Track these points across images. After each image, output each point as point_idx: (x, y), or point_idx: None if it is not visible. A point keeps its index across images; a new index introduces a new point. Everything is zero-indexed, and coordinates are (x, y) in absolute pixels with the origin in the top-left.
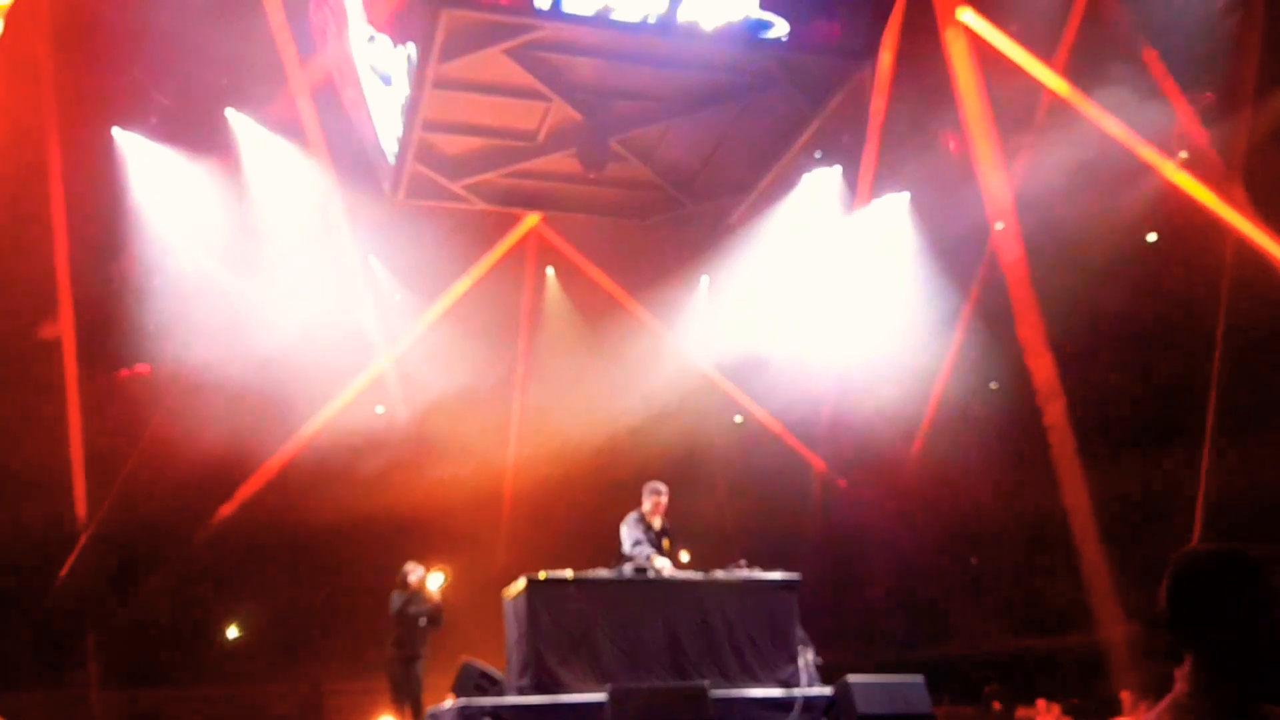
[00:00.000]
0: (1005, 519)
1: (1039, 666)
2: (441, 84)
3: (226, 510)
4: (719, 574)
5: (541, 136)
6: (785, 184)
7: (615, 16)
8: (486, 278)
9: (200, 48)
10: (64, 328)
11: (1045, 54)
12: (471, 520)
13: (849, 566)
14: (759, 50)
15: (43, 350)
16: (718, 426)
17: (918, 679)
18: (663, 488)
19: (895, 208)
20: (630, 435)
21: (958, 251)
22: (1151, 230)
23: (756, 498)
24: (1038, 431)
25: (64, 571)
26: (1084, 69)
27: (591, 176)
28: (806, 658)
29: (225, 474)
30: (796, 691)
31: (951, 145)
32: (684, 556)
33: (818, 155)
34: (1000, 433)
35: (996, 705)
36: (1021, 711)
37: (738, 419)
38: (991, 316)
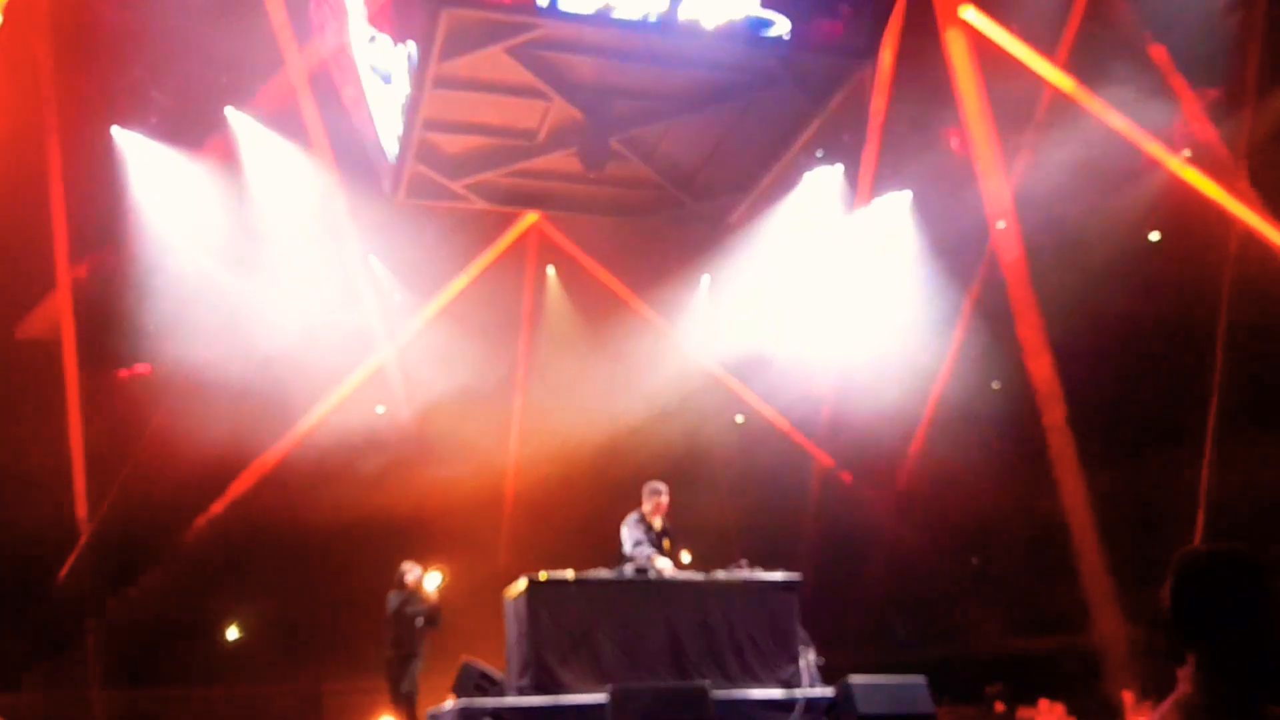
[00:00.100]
0: (1007, 519)
1: (1041, 666)
2: (442, 83)
3: (227, 510)
4: (720, 574)
5: (542, 135)
6: (786, 183)
7: (616, 15)
8: (487, 277)
9: (200, 46)
10: (64, 328)
11: (1046, 50)
12: (472, 520)
13: (850, 566)
14: (760, 49)
15: (43, 350)
16: (719, 426)
17: (919, 679)
18: (663, 488)
19: (897, 207)
20: (631, 435)
21: (959, 250)
22: (1155, 229)
23: (757, 497)
24: (1040, 431)
25: (64, 571)
26: (1086, 65)
27: (592, 176)
28: (808, 658)
29: (225, 474)
30: (798, 692)
31: (953, 144)
32: (685, 557)
33: (819, 155)
34: (1002, 432)
35: (999, 706)
36: (1023, 712)
37: (739, 419)
38: (993, 316)
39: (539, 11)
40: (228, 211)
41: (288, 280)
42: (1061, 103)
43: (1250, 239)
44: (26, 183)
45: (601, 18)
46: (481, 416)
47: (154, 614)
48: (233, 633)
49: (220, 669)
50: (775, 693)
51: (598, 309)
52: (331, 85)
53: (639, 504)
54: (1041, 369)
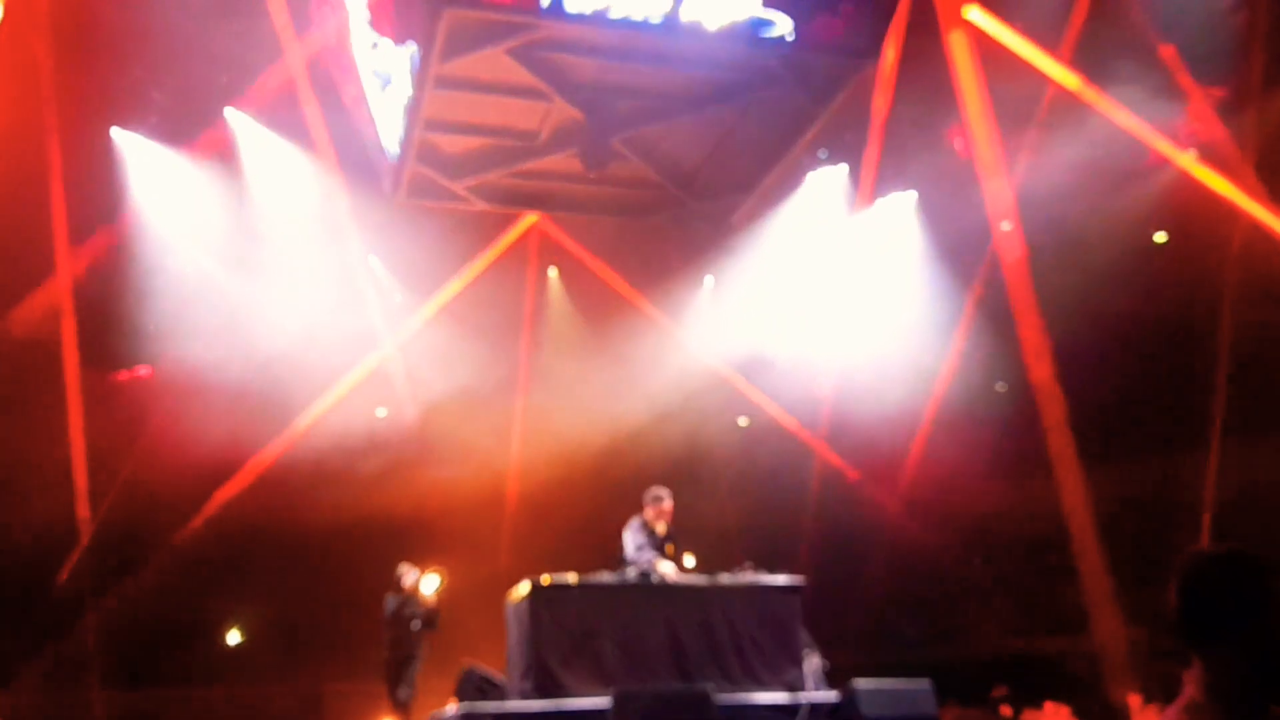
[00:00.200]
0: (1010, 519)
1: (1045, 669)
2: (443, 84)
3: (228, 510)
4: (723, 578)
5: (543, 136)
6: (789, 183)
7: (618, 16)
8: (488, 277)
9: (200, 46)
10: (65, 328)
11: (1050, 48)
12: (473, 521)
13: (851, 567)
14: (762, 48)
15: (43, 350)
16: (720, 427)
17: (924, 683)
18: (665, 494)
19: (901, 206)
20: (633, 436)
21: (962, 250)
22: (1159, 228)
23: (758, 497)
24: (1043, 432)
25: (65, 572)
26: (1090, 63)
27: (593, 176)
28: (811, 661)
29: (226, 474)
30: (801, 695)
31: (956, 144)
32: (690, 561)
33: (822, 155)
34: (1005, 433)
35: (1005, 710)
36: (1029, 715)
37: (742, 422)
38: (995, 316)
39: (541, 12)
40: (227, 211)
41: (288, 281)
42: (1065, 101)
43: (1255, 238)
44: (26, 182)
45: (603, 18)
46: (483, 417)
47: (154, 614)
48: (233, 637)
49: (221, 669)
50: (779, 696)
51: (599, 309)
52: (332, 85)
53: (640, 506)
54: (1044, 369)
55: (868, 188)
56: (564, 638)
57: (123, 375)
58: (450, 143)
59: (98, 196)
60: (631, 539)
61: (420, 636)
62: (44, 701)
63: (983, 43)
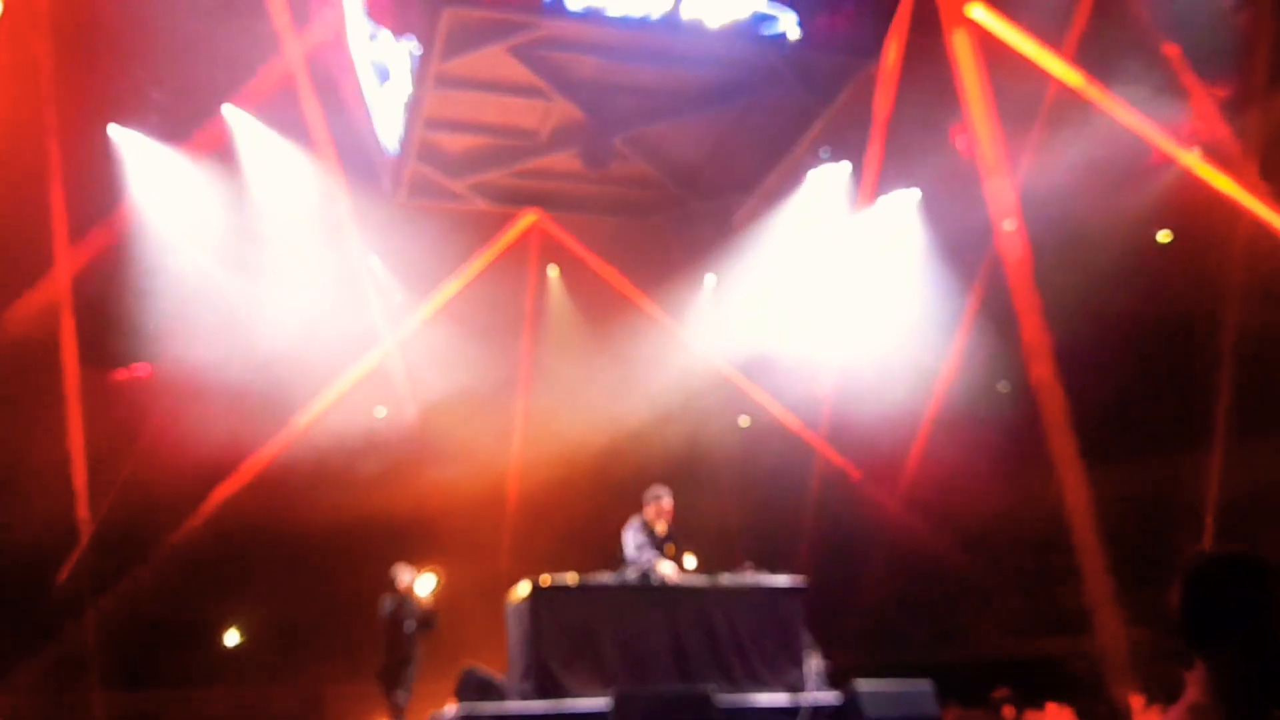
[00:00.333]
0: (1011, 520)
1: (1047, 670)
2: (444, 82)
3: (228, 511)
4: (724, 578)
5: (544, 135)
6: (791, 182)
7: (618, 13)
8: (489, 277)
9: (199, 44)
10: (64, 327)
11: (1053, 46)
12: (474, 521)
13: (851, 567)
14: (764, 46)
15: (43, 350)
16: (721, 426)
17: (926, 684)
18: (664, 492)
19: (903, 204)
20: (634, 435)
21: (965, 249)
22: (1163, 228)
23: (759, 497)
24: (1044, 432)
25: (64, 572)
26: (1094, 62)
27: (595, 175)
28: (812, 663)
29: (226, 475)
30: (803, 697)
31: (959, 142)
32: (691, 561)
33: (824, 154)
34: (1006, 433)
35: (1007, 710)
36: (1031, 716)
37: (743, 421)
38: (997, 315)
39: (542, 10)
40: (226, 209)
41: (287, 279)
42: (1068, 100)
43: (1259, 237)
44: (24, 180)
45: (603, 16)
46: (483, 417)
47: (154, 614)
48: (232, 637)
49: (221, 670)
50: (780, 697)
51: (600, 309)
52: (331, 82)
53: (641, 506)
54: (1046, 369)
55: (870, 186)
56: (564, 639)
57: (122, 374)
58: (451, 141)
59: (96, 194)
60: (631, 539)
61: (416, 638)
62: (44, 701)
63: (986, 41)
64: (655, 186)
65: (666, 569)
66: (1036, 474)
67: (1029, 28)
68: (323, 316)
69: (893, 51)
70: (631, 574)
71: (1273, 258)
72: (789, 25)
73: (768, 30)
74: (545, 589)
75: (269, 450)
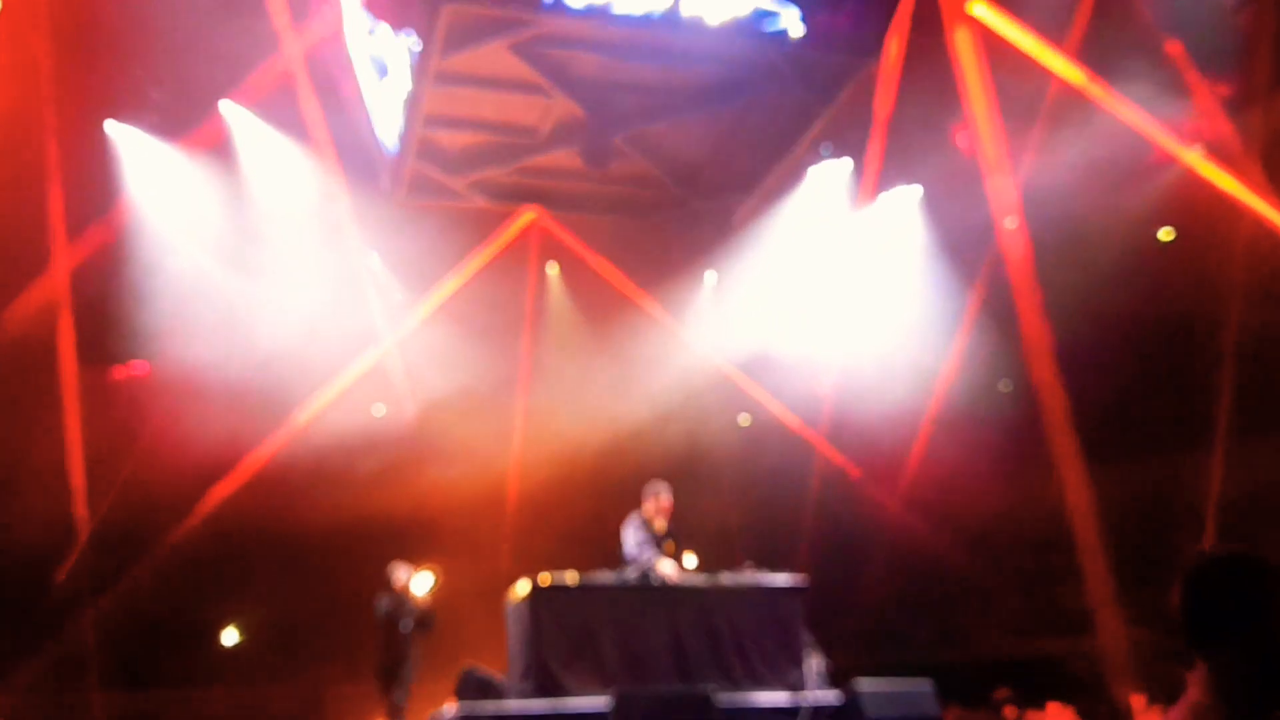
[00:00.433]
0: (1014, 520)
1: (1048, 670)
2: (444, 79)
3: (227, 510)
4: (724, 578)
5: (545, 133)
6: (792, 179)
7: (619, 11)
8: (489, 275)
9: (199, 41)
10: (62, 326)
11: (1055, 44)
12: (474, 520)
13: (851, 566)
14: (766, 44)
15: (41, 349)
16: (721, 425)
17: (926, 684)
18: (663, 487)
19: (905, 201)
20: (634, 435)
21: (966, 248)
22: (1165, 226)
23: (759, 496)
24: (1046, 432)
25: (63, 572)
26: (1096, 60)
27: (595, 173)
28: (813, 662)
29: (225, 474)
30: (803, 697)
31: (960, 140)
32: (691, 560)
33: (825, 153)
34: (1007, 432)
35: (1008, 711)
36: (1032, 716)
37: (743, 421)
38: (999, 314)
39: (542, 8)
40: (224, 206)
41: (286, 278)
42: (1070, 98)
43: (1261, 236)
44: (22, 178)
45: (605, 14)
46: (482, 415)
47: (154, 615)
48: (230, 637)
49: (221, 670)
50: (780, 697)
51: (601, 307)
52: (330, 80)
53: (640, 504)
54: (1047, 368)
55: (870, 184)
56: (564, 638)
57: (120, 373)
58: (450, 139)
59: (94, 192)
60: (631, 537)
61: (413, 638)
62: (43, 701)
63: (988, 39)
64: (655, 185)
65: (667, 568)
66: (1037, 474)
67: (1031, 25)
68: (322, 315)
69: (894, 49)
70: (632, 573)
71: (1275, 257)
72: (791, 22)
73: (769, 26)
74: (545, 588)
75: (268, 449)
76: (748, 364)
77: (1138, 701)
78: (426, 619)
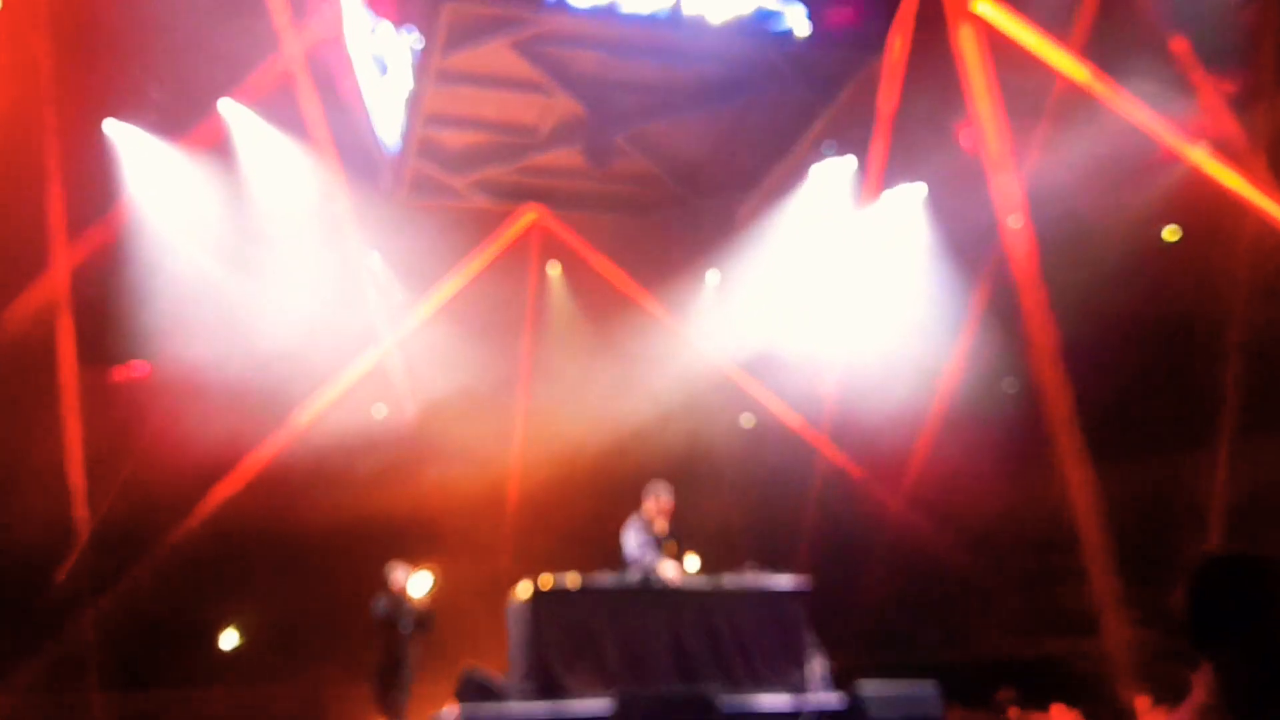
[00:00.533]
0: (1018, 520)
1: (1052, 670)
2: (445, 78)
3: (227, 511)
4: (727, 579)
5: (546, 131)
6: (795, 177)
7: (621, 9)
8: (489, 275)
9: (199, 39)
10: (62, 326)
11: (1060, 40)
12: (474, 521)
13: (854, 567)
14: (765, 43)
15: (41, 349)
16: (723, 425)
17: (930, 685)
18: (663, 488)
19: (909, 199)
20: (636, 435)
21: (970, 246)
22: (1171, 225)
23: (763, 497)
24: (1050, 431)
25: (63, 573)
26: (1101, 56)
27: (597, 172)
28: (816, 664)
29: (225, 474)
30: (806, 699)
31: (963, 139)
32: (694, 562)
33: (827, 151)
34: (1011, 432)
35: (1011, 712)
36: (1036, 718)
37: (746, 421)
38: (1003, 313)
39: (546, 6)
40: (224, 206)
41: (287, 278)
42: (1075, 95)
43: (1267, 234)
44: (22, 179)
45: (606, 12)
46: (483, 416)
47: (154, 615)
48: (229, 638)
49: (221, 670)
50: (783, 699)
51: (602, 307)
52: (330, 79)
53: (641, 505)
54: (1052, 367)
55: (874, 182)
56: (565, 640)
57: (120, 373)
58: (451, 138)
59: (94, 191)
60: (631, 538)
61: (411, 639)
62: (43, 702)
63: (991, 35)
64: (657, 183)
65: (668, 570)
66: (1041, 473)
67: (1035, 22)
68: (322, 315)
69: (897, 47)
70: (633, 575)
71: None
72: (796, 21)
73: (773, 25)
74: (546, 590)
75: (269, 449)
76: (750, 363)
77: (1142, 702)
78: (425, 620)
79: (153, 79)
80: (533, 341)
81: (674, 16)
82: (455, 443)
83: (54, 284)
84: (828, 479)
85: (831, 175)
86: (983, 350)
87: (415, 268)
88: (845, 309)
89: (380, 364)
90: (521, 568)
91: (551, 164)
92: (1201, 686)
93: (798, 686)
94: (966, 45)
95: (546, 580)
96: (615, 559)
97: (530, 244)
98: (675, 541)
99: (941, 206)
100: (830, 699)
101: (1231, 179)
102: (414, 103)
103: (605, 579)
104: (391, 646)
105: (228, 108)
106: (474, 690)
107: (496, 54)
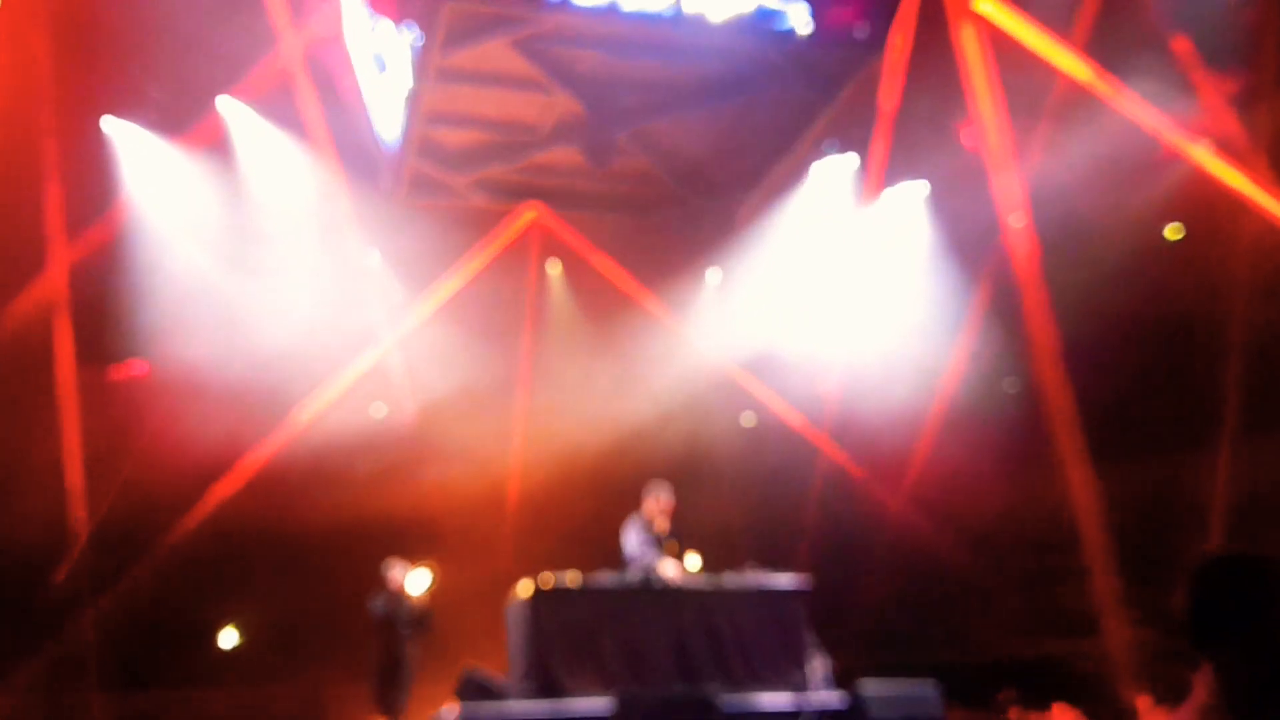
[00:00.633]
0: (1019, 520)
1: (1053, 670)
2: (445, 76)
3: (227, 511)
4: (727, 579)
5: (546, 130)
6: (796, 176)
7: (622, 8)
8: (490, 274)
9: (196, 36)
10: (61, 326)
11: (1061, 39)
12: (474, 521)
13: (854, 566)
14: (766, 41)
15: (40, 349)
16: (724, 424)
17: (930, 685)
18: (663, 488)
19: (910, 197)
20: (636, 435)
21: (972, 245)
22: (1172, 224)
23: (763, 497)
24: (1051, 431)
25: (62, 573)
26: (1103, 55)
27: (597, 171)
28: (816, 664)
29: (225, 474)
30: (807, 698)
31: (967, 138)
32: (695, 561)
33: (828, 150)
34: (1012, 432)
35: (1012, 713)
36: (1037, 718)
37: (746, 421)
38: (1004, 313)
39: (546, 5)
40: (224, 206)
41: (287, 277)
42: (1077, 94)
43: (1269, 233)
44: (20, 178)
45: (607, 11)
46: (483, 415)
47: (154, 615)
48: (228, 639)
49: (221, 671)
50: (783, 699)
51: (602, 306)
52: (329, 78)
53: (641, 506)
54: (1053, 367)
55: (876, 181)
56: (566, 639)
57: (119, 373)
58: (451, 136)
59: (93, 190)
60: (631, 538)
61: (409, 638)
62: (43, 702)
63: (993, 34)
64: (657, 182)
65: (668, 569)
66: (1042, 473)
67: (1036, 20)
68: (322, 314)
69: (898, 45)
70: (634, 574)
71: None
72: (799, 19)
73: (772, 24)
74: (546, 589)
75: (268, 449)
76: (750, 363)
77: (1143, 702)
78: (424, 619)
79: (151, 77)
80: (533, 341)
81: (675, 15)
82: (455, 442)
83: (52, 283)
84: (828, 479)
85: (832, 174)
86: (984, 350)
87: (415, 267)
88: (846, 308)
89: (380, 363)
90: (521, 567)
91: (551, 163)
92: (1203, 687)
93: (798, 686)
94: (968, 44)
95: (547, 579)
96: (615, 558)
97: (530, 243)
98: (676, 541)
99: (943, 205)
100: (831, 699)
101: (1233, 178)
102: (414, 101)
103: (605, 578)
104: (390, 645)
105: (227, 106)
106: (474, 690)
107: (497, 52)
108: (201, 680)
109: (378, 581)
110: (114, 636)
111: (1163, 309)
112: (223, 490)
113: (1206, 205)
